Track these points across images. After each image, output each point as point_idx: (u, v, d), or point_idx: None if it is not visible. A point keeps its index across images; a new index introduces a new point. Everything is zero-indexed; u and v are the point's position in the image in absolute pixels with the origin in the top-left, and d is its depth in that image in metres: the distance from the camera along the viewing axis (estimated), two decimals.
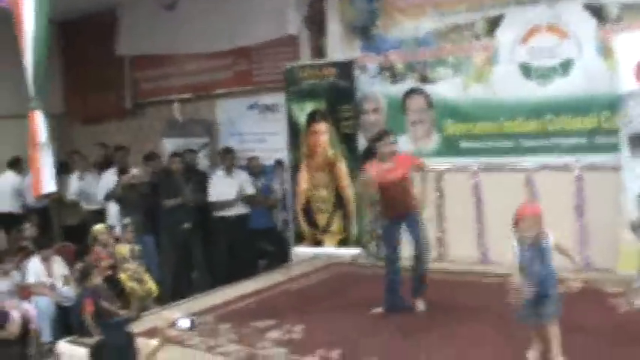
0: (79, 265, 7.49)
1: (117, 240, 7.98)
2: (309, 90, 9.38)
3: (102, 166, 10.83)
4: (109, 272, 7.23)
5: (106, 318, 6.05)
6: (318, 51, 9.74)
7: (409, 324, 6.10)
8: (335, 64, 9.27)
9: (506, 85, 8.04)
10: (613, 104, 7.19)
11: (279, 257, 9.69)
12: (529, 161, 7.89)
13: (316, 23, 9.67)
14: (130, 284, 7.38)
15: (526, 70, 7.91)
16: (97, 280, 6.64)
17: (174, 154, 9.78)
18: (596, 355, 4.99)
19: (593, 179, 7.49)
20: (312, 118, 9.37)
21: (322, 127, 9.30)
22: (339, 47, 9.45)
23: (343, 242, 9.25)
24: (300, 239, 9.64)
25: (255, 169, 9.99)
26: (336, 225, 9.30)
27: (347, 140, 9.20)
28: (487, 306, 6.26)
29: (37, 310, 7.20)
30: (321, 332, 6.00)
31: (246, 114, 10.85)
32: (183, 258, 9.31)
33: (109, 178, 9.70)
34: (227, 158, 9.76)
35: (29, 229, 8.97)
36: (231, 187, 9.50)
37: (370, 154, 6.91)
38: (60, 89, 13.10)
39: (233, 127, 11.01)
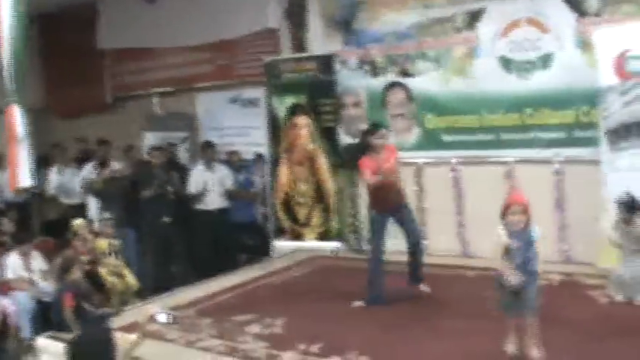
0: (58, 260, 7.43)
1: (96, 235, 7.93)
2: (290, 84, 9.36)
3: (81, 160, 10.74)
4: (88, 267, 7.17)
5: (86, 313, 6.00)
6: (299, 45, 9.69)
7: (390, 317, 6.11)
8: (316, 58, 9.25)
9: (487, 78, 8.04)
10: (592, 98, 7.21)
11: (260, 251, 9.67)
12: (509, 155, 7.92)
13: (297, 16, 9.63)
14: (109, 279, 7.36)
15: (506, 64, 7.90)
16: (76, 274, 6.59)
17: (155, 148, 9.72)
18: (574, 347, 5.01)
19: (572, 173, 7.53)
20: (293, 111, 9.35)
21: (302, 121, 9.28)
22: (319, 41, 9.42)
23: (323, 236, 9.26)
24: (280, 233, 9.64)
25: (235, 163, 9.97)
26: (316, 219, 9.30)
27: (327, 134, 9.19)
28: (468, 299, 6.30)
29: (16, 305, 7.13)
30: (302, 326, 6.00)
31: (226, 107, 10.77)
32: (164, 252, 9.25)
33: (88, 172, 9.66)
34: (207, 152, 9.71)
35: (7, 225, 8.88)
36: (212, 181, 9.46)
37: (362, 148, 6.86)
38: (39, 83, 12.90)
39: (213, 120, 10.91)
